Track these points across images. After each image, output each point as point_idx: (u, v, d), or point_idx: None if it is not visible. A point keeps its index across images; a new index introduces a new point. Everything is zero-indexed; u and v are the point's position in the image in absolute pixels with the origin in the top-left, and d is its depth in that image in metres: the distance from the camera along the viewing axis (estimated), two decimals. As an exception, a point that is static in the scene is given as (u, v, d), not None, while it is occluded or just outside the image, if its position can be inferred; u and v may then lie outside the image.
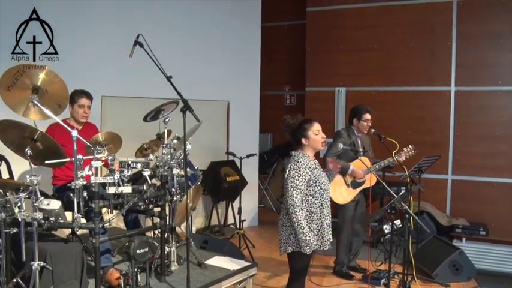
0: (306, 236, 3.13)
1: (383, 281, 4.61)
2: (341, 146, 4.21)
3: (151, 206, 3.61)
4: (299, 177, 3.19)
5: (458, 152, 6.48)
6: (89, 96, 4.19)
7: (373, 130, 4.92)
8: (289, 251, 3.27)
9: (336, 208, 4.79)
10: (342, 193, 4.78)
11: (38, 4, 4.85)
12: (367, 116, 4.87)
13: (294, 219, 3.15)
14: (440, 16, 6.53)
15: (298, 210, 3.15)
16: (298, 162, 3.23)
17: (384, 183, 3.70)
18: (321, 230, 3.26)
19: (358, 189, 4.85)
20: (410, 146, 4.83)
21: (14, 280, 3.04)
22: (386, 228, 3.53)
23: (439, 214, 6.27)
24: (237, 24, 7.03)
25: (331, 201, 3.58)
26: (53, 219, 3.06)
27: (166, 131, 3.95)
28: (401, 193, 3.65)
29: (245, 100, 7.17)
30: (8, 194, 3.19)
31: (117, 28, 5.66)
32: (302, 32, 7.69)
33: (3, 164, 3.85)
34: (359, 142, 4.96)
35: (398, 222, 3.53)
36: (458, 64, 6.46)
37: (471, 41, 6.38)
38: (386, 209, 3.52)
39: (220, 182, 6.47)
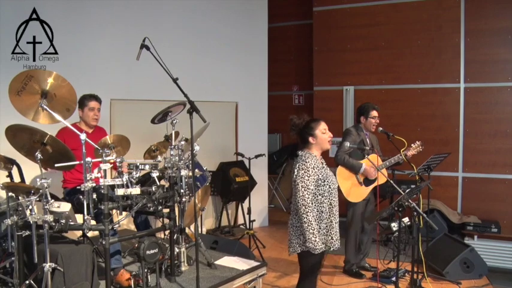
0: (314, 237, 3.13)
1: (393, 279, 4.60)
2: (348, 144, 4.21)
3: (160, 207, 3.64)
4: (309, 177, 3.18)
5: (468, 149, 6.44)
6: (98, 99, 4.24)
7: (380, 128, 4.92)
8: (299, 251, 3.27)
9: (345, 206, 4.80)
10: (356, 191, 4.76)
11: (38, 4, 4.88)
12: (374, 113, 4.87)
13: (305, 219, 3.15)
14: (448, 13, 6.50)
15: (309, 211, 3.15)
16: (306, 162, 3.23)
17: (391, 181, 3.69)
18: (330, 229, 3.27)
19: (371, 187, 4.84)
20: (417, 142, 4.81)
21: (27, 282, 3.09)
22: (394, 226, 3.51)
23: (450, 212, 6.24)
24: (244, 26, 7.07)
25: (341, 199, 3.60)
26: (63, 221, 3.11)
27: (174, 132, 3.98)
28: (407, 190, 3.63)
29: (253, 101, 7.20)
30: (19, 197, 3.26)
31: (121, 29, 5.73)
32: (309, 32, 7.70)
33: (15, 168, 3.90)
34: (368, 140, 4.95)
35: (406, 219, 3.52)
36: (467, 61, 6.42)
37: (480, 37, 6.33)
38: (394, 207, 3.51)
39: (229, 183, 6.50)
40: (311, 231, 3.13)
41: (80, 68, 5.20)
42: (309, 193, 3.17)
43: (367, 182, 4.82)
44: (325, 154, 3.53)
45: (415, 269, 4.34)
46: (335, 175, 3.65)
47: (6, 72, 4.73)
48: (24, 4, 4.86)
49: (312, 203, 3.19)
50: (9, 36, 4.79)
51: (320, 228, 3.22)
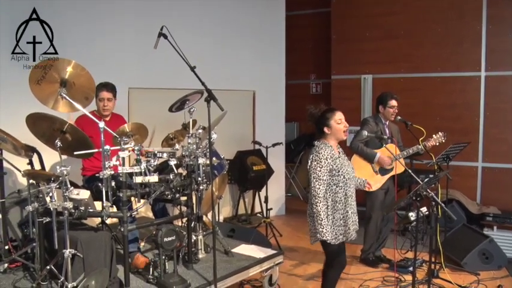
0: (322, 228, 3.18)
1: (410, 269, 4.57)
2: (365, 133, 4.17)
3: (177, 195, 3.67)
4: (321, 168, 3.21)
5: (488, 139, 6.33)
6: (108, 88, 4.20)
7: (399, 117, 4.86)
8: (317, 240, 3.30)
9: (364, 196, 4.77)
10: (370, 180, 4.71)
11: (38, 4, 4.86)
12: (393, 103, 4.81)
13: (314, 209, 3.22)
14: (469, 0, 6.35)
15: (319, 202, 3.19)
16: (319, 153, 3.25)
17: (410, 171, 3.64)
18: (347, 220, 3.28)
19: (386, 176, 4.79)
20: (440, 133, 4.73)
21: (48, 267, 3.14)
22: (412, 215, 3.48)
23: (469, 202, 6.15)
24: (262, 14, 7.03)
25: (359, 189, 3.59)
26: (82, 208, 3.15)
27: (191, 121, 4.00)
28: (426, 179, 3.59)
29: (271, 89, 7.18)
30: (40, 184, 3.31)
31: (136, 18, 5.77)
32: (327, 20, 7.62)
33: (35, 155, 3.96)
34: (387, 130, 4.90)
35: (424, 209, 3.49)
36: (489, 49, 6.27)
37: (501, 24, 6.18)
38: (412, 196, 3.48)
39: (246, 171, 6.52)
40: (319, 221, 3.19)
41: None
42: (320, 184, 3.21)
43: (382, 171, 4.78)
44: (342, 144, 3.52)
45: (433, 260, 4.30)
46: None
47: (6, 72, 4.79)
48: (24, 4, 4.84)
49: (327, 193, 3.23)
50: (9, 36, 4.78)
51: (335, 219, 3.25)
